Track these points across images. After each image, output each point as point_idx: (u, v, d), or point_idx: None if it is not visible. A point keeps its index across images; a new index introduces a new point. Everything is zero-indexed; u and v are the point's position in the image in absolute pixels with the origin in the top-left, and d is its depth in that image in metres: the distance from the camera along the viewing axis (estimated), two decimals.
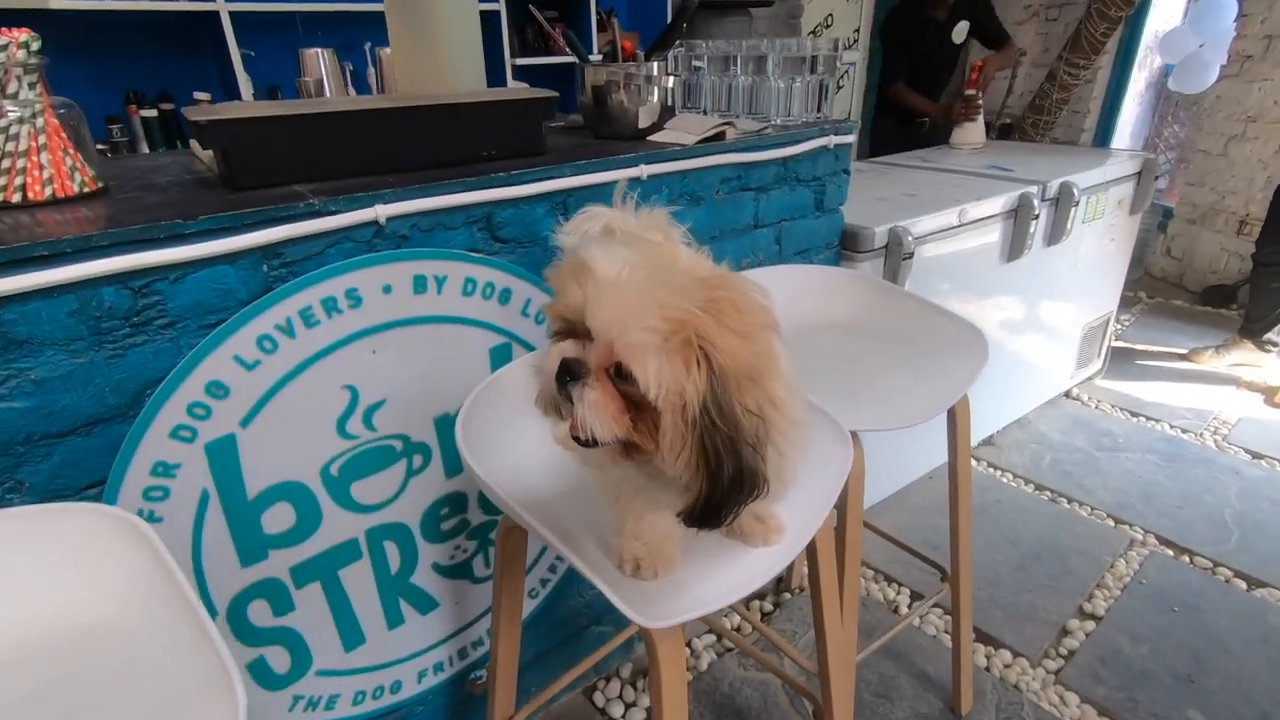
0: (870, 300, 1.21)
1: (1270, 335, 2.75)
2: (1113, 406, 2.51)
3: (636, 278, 0.53)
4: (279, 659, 0.99)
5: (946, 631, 1.60)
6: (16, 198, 0.80)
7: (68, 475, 0.76)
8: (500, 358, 1.07)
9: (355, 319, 0.91)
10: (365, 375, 0.95)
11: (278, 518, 0.93)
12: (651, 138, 1.26)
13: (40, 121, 0.80)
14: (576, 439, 0.56)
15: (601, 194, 1.07)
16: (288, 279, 0.85)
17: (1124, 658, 1.53)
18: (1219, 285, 3.47)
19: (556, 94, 1.09)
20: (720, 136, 1.24)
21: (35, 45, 0.78)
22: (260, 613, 0.95)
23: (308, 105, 1.03)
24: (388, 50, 1.38)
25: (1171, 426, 2.38)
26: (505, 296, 1.05)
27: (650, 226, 0.75)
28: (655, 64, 1.24)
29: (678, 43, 1.45)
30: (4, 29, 0.77)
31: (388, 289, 0.92)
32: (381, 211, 0.88)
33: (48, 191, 0.81)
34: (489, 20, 2.81)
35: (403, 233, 0.92)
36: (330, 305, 0.88)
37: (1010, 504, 2.02)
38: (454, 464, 1.08)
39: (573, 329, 0.56)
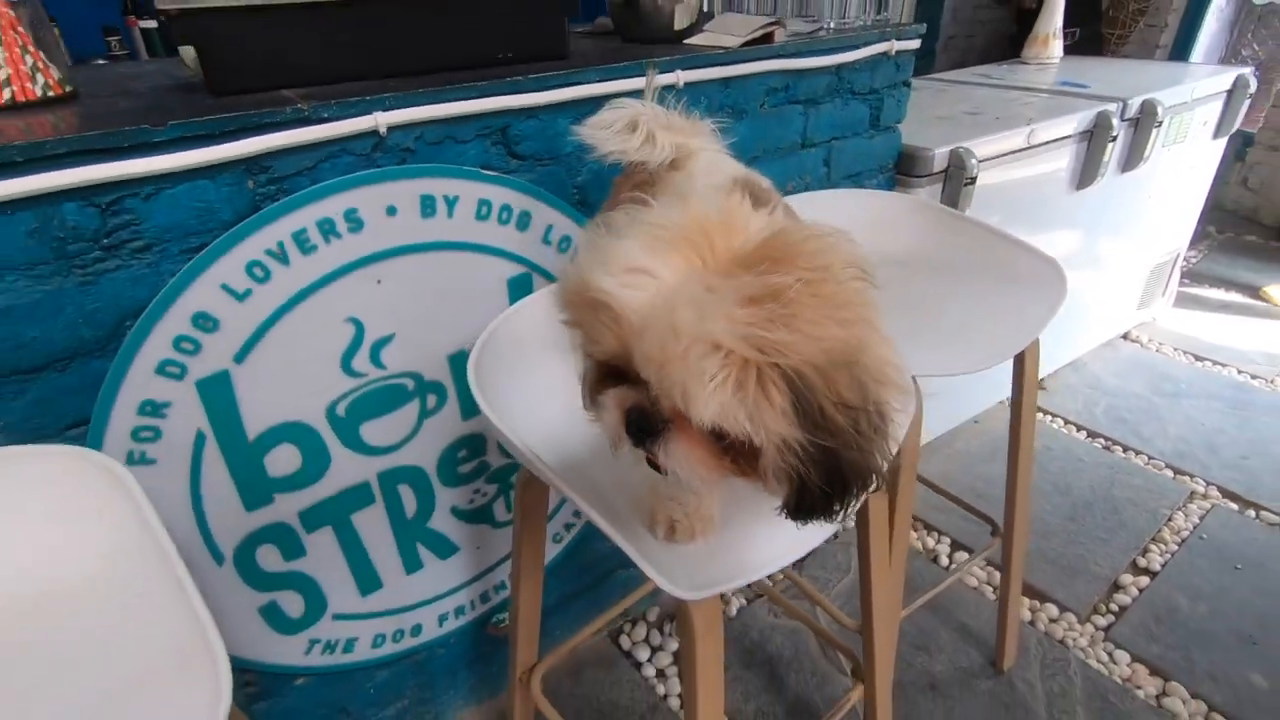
0: (932, 230, 1.07)
1: None
2: (1175, 349, 2.34)
3: (677, 304, 0.41)
4: (292, 603, 0.95)
5: (989, 584, 1.52)
6: None
7: (46, 415, 0.70)
8: (519, 289, 0.97)
9: (356, 244, 0.82)
10: (370, 307, 0.86)
11: (282, 460, 0.86)
12: (689, 40, 1.11)
13: None
14: (656, 466, 0.49)
15: None
16: (277, 197, 0.75)
17: (1181, 616, 1.44)
18: None
19: None
20: (767, 39, 1.09)
21: None
22: (269, 558, 0.90)
23: None
24: None
25: (1240, 371, 2.21)
26: (524, 221, 0.94)
27: (690, 131, 0.64)
28: None
29: None
30: None
31: (392, 210, 0.82)
32: (382, 119, 0.77)
33: (5, 95, 0.72)
34: None
35: (407, 145, 0.81)
36: (327, 228, 0.79)
37: (1061, 451, 1.90)
38: (470, 405, 1.00)
39: (621, 371, 0.47)
